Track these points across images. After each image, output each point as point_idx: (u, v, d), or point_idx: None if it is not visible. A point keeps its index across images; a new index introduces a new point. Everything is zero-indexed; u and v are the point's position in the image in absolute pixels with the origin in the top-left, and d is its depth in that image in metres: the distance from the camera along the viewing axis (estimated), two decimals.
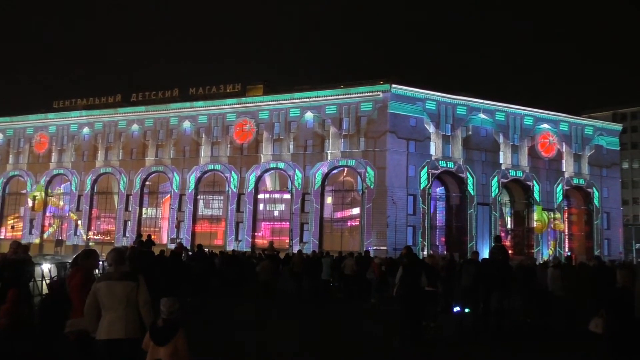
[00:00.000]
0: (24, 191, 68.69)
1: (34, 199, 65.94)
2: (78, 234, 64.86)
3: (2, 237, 67.28)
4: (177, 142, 61.78)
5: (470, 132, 55.44)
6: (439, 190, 55.81)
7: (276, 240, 41.86)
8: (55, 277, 16.69)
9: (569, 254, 55.69)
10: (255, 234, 56.39)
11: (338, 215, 54.15)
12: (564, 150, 59.56)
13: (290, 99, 56.82)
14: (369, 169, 51.77)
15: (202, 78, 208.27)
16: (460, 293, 14.67)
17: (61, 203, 67.29)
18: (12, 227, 68.81)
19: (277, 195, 57.00)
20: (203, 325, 12.35)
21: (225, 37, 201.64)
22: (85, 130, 66.55)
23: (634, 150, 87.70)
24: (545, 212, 56.96)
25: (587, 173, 60.42)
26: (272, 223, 56.96)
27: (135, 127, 63.86)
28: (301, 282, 20.01)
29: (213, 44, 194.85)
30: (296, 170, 54.99)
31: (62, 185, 67.76)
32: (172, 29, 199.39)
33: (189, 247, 39.80)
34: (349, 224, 53.95)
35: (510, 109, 57.42)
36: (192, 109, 61.12)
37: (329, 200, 54.42)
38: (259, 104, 58.18)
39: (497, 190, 55.61)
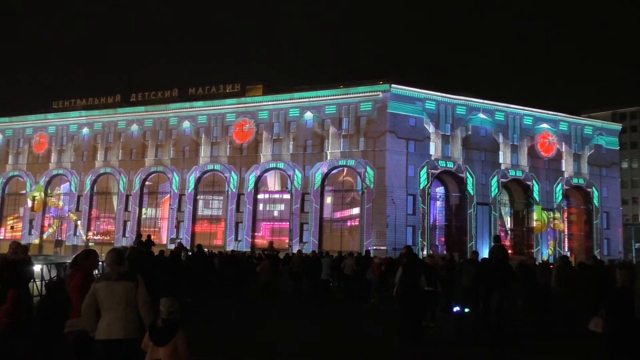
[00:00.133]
0: (24, 191, 68.66)
1: (33, 199, 65.91)
2: (78, 234, 64.82)
3: (2, 237, 67.22)
4: (176, 142, 61.78)
5: (469, 132, 55.46)
6: (439, 190, 55.82)
7: (276, 240, 41.84)
8: (55, 278, 16.66)
9: (568, 253, 55.90)
10: (255, 234, 56.38)
11: (338, 215, 54.16)
12: (563, 150, 59.59)
13: (290, 99, 56.81)
14: (368, 169, 51.77)
15: (201, 78, 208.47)
16: (460, 293, 14.67)
17: (61, 203, 67.26)
18: (12, 228, 68.80)
19: (276, 196, 56.99)
20: (203, 325, 12.35)
21: (225, 37, 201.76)
22: (85, 130, 66.53)
23: (634, 149, 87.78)
24: (545, 211, 56.98)
25: (586, 173, 60.45)
26: (271, 223, 56.96)
27: (134, 127, 63.85)
28: (301, 282, 20.02)
29: (213, 44, 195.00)
30: (296, 170, 55.00)
31: (62, 186, 67.74)
32: (171, 29, 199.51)
33: (188, 248, 39.77)
34: (348, 224, 53.96)
35: (509, 108, 57.45)
36: (192, 109, 61.11)
37: (328, 200, 54.42)
38: (259, 104, 58.19)
39: (496, 190, 55.63)
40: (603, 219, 60.60)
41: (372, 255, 26.92)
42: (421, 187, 52.22)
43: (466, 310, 13.99)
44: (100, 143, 65.84)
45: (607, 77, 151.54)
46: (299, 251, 23.28)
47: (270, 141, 57.35)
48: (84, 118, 66.63)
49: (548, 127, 58.98)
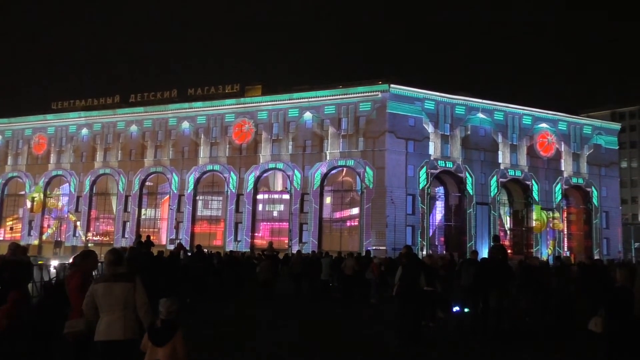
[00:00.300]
0: (23, 192, 68.64)
1: (32, 200, 65.91)
2: (77, 235, 64.80)
3: (1, 238, 67.21)
4: (175, 142, 61.78)
5: (469, 132, 55.49)
6: (438, 190, 55.85)
7: (275, 240, 41.84)
8: (54, 279, 16.65)
9: (567, 253, 55.97)
10: (255, 234, 56.37)
11: (337, 215, 54.17)
12: (562, 149, 59.63)
13: (289, 99, 56.82)
14: (367, 169, 51.77)
15: (200, 78, 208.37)
16: (460, 293, 14.67)
17: (60, 204, 67.23)
18: (11, 229, 68.79)
19: (276, 196, 57.00)
20: (202, 326, 12.34)
21: (225, 37, 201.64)
22: (84, 131, 66.52)
23: (633, 149, 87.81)
24: (544, 211, 57.00)
25: (585, 172, 60.49)
26: (271, 223, 56.96)
27: (133, 127, 63.84)
28: (300, 282, 20.01)
29: (212, 44, 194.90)
30: (295, 170, 55.00)
31: (61, 187, 67.73)
32: (171, 29, 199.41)
33: (188, 248, 39.75)
34: (348, 224, 53.96)
35: (508, 108, 57.48)
36: (191, 110, 61.10)
37: (328, 200, 54.43)
38: (258, 104, 58.20)
39: (496, 189, 55.65)
40: (602, 218, 60.64)
41: (372, 255, 26.90)
42: (420, 187, 52.23)
43: (466, 310, 13.99)
44: (99, 144, 65.84)
45: (605, 76, 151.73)
46: (299, 251, 23.26)
47: (270, 141, 57.36)
48: (83, 119, 66.62)
49: (547, 126, 59.02)
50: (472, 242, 52.56)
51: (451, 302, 15.10)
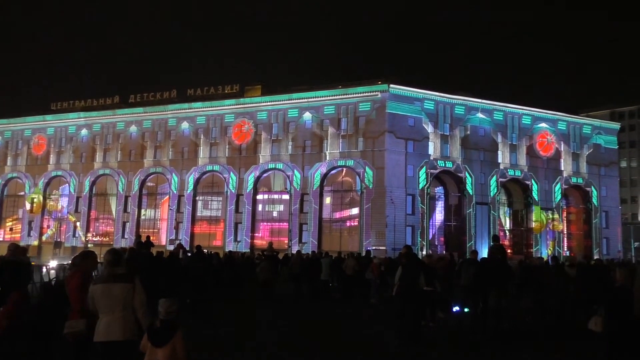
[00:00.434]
0: (22, 193, 68.61)
1: (32, 201, 65.88)
2: (77, 235, 64.76)
3: (1, 239, 67.16)
4: (175, 143, 61.77)
5: (468, 132, 55.49)
6: (438, 190, 55.85)
7: (275, 240, 41.83)
8: (54, 279, 16.66)
9: (567, 253, 55.97)
10: (254, 234, 56.35)
11: (337, 215, 54.16)
12: (562, 149, 59.63)
13: (289, 100, 56.81)
14: (367, 169, 51.78)
15: (200, 78, 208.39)
16: (460, 293, 14.68)
17: (59, 205, 67.22)
18: (11, 229, 68.76)
19: (275, 196, 56.99)
20: (202, 326, 12.34)
21: (225, 37, 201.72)
22: (84, 131, 66.49)
23: (632, 149, 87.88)
24: (544, 211, 57.00)
25: (585, 172, 60.50)
26: (271, 224, 56.94)
27: (133, 128, 63.83)
28: (300, 282, 20.01)
29: (212, 44, 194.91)
30: (295, 170, 54.99)
31: (61, 187, 67.69)
32: (171, 29, 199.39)
33: (187, 248, 39.74)
34: (347, 224, 53.95)
35: (508, 108, 57.48)
36: (190, 110, 61.08)
37: (327, 200, 54.42)
38: (257, 104, 58.19)
39: (495, 189, 55.65)
40: (602, 218, 60.64)
41: (372, 255, 26.90)
42: (420, 187, 52.23)
43: (466, 310, 13.99)
44: (99, 144, 65.82)
45: (605, 76, 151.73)
46: (298, 252, 23.25)
47: (269, 142, 57.36)
48: (83, 119, 66.60)
49: (547, 126, 59.03)
50: (472, 242, 52.56)
51: (451, 302, 15.11)
